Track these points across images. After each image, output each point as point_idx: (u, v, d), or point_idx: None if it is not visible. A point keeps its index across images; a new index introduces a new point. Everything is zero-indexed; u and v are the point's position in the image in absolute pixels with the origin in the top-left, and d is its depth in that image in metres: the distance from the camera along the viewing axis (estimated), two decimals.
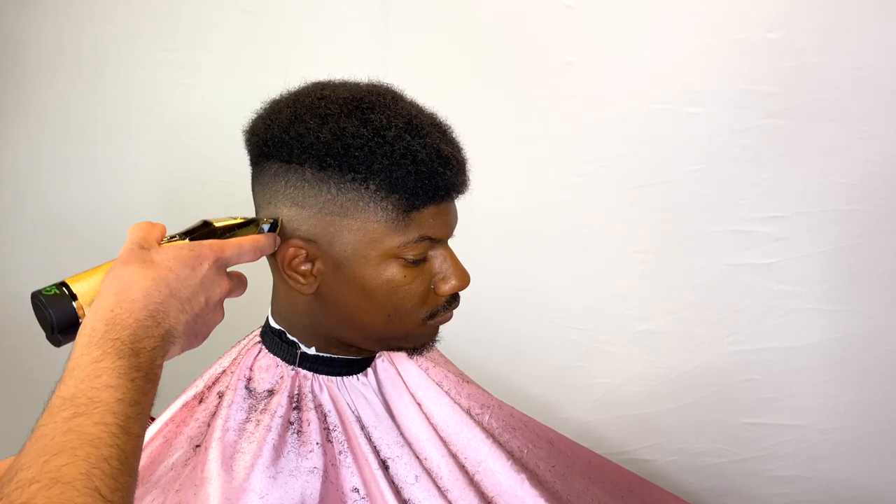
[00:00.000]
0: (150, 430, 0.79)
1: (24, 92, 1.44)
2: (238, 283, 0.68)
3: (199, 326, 0.63)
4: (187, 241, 0.65)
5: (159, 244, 0.64)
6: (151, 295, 0.59)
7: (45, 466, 0.47)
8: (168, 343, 0.59)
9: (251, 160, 0.73)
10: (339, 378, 0.76)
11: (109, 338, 0.55)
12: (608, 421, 1.34)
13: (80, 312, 0.60)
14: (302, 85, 0.74)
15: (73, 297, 0.61)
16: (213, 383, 0.79)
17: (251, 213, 0.73)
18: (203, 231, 0.66)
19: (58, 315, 0.60)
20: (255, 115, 0.73)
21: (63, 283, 0.61)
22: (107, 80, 1.41)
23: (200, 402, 0.78)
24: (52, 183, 1.50)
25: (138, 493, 0.73)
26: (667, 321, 1.27)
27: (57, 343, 0.62)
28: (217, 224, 0.67)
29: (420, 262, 0.71)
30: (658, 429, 1.32)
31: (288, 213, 0.69)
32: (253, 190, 0.73)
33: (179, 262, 0.61)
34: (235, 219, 0.69)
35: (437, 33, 1.27)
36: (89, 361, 0.54)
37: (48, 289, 0.61)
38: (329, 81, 0.74)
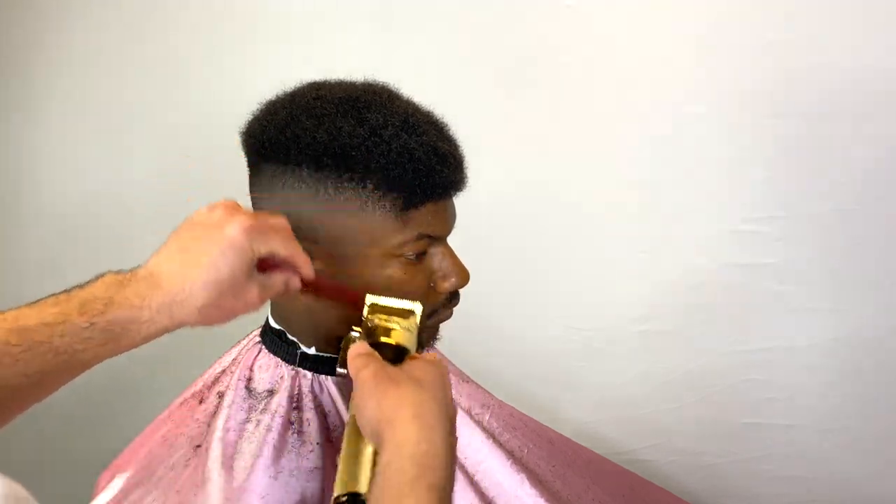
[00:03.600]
0: (150, 428, 0.79)
1: (24, 92, 1.44)
2: None
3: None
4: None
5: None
6: (443, 422, 0.48)
7: None
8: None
9: (248, 162, 0.73)
10: (339, 378, 0.76)
11: (423, 485, 0.44)
12: (608, 421, 1.34)
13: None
14: (298, 85, 0.73)
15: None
16: (213, 383, 0.78)
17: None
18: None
19: None
20: (251, 117, 0.73)
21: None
22: (105, 80, 1.41)
23: (200, 402, 0.78)
24: (51, 182, 1.50)
25: (138, 493, 0.73)
26: (667, 321, 1.27)
27: None
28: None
29: (419, 260, 0.70)
30: (658, 429, 1.32)
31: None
32: (251, 192, 0.73)
33: (441, 378, 0.53)
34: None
35: (437, 33, 1.27)
36: None
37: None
38: (325, 81, 0.73)
